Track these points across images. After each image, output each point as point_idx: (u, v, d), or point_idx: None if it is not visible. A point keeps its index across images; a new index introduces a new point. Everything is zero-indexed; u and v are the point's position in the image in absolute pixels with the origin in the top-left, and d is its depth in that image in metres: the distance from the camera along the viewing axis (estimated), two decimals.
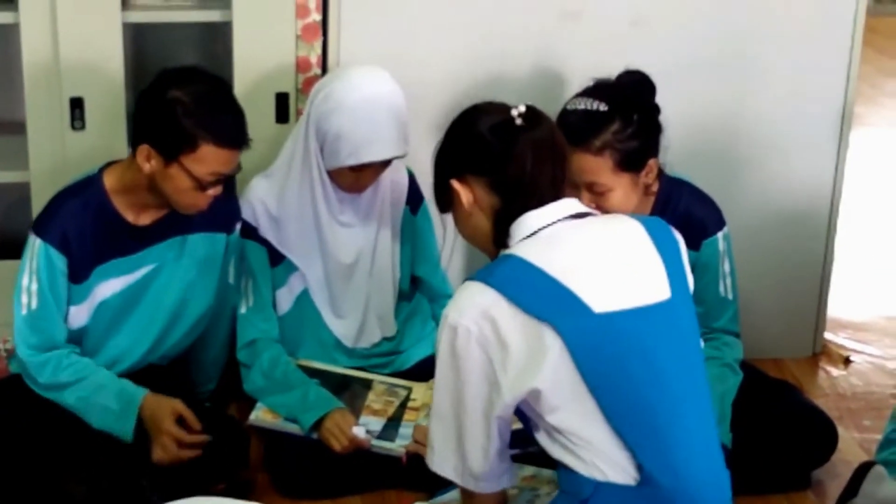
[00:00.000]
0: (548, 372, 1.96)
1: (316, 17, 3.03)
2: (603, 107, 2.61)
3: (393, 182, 2.90)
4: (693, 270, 2.26)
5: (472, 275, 2.06)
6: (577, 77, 2.82)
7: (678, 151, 2.84)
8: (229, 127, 2.58)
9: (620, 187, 2.63)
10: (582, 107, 2.64)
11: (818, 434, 2.90)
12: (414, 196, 2.96)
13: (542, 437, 2.06)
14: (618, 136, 2.61)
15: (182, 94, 2.54)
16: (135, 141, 2.62)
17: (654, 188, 2.76)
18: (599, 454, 2.00)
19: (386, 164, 2.79)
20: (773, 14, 3.25)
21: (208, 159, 2.55)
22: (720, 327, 2.82)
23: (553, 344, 1.96)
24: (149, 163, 2.57)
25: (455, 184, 2.14)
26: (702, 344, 2.17)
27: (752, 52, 3.27)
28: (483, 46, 3.14)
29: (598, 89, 2.68)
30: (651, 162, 2.69)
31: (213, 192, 2.61)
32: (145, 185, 2.62)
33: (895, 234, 4.62)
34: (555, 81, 3.13)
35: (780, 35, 3.26)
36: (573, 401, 1.98)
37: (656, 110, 2.70)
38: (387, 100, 2.74)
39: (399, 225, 2.95)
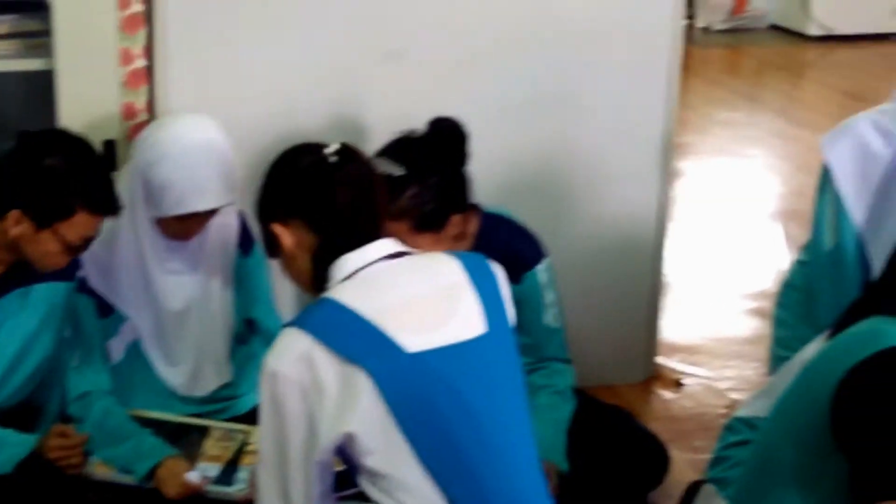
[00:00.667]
0: (360, 415, 1.97)
1: (141, 62, 3.02)
2: (399, 171, 2.59)
3: (222, 226, 2.87)
4: (516, 303, 2.29)
5: (290, 320, 2.07)
6: (404, 115, 2.82)
7: (503, 187, 2.90)
8: (104, 194, 2.61)
9: (423, 246, 2.60)
10: (379, 170, 2.64)
11: (651, 457, 2.98)
12: (245, 238, 2.94)
13: (362, 481, 2.06)
14: (414, 201, 2.59)
15: (56, 161, 2.55)
16: (1, 206, 2.59)
17: (471, 230, 2.74)
18: (415, 496, 2.01)
19: (213, 212, 2.77)
20: (594, 46, 3.34)
21: (81, 225, 2.57)
22: (550, 355, 2.87)
23: (364, 387, 1.97)
24: (17, 226, 2.57)
25: (276, 227, 2.16)
26: (523, 374, 2.19)
27: (574, 86, 3.35)
28: (309, 89, 3.16)
29: (398, 147, 2.67)
30: (454, 218, 2.66)
31: (79, 254, 2.63)
32: (2, 245, 2.61)
33: (725, 257, 4.77)
34: (381, 121, 3.15)
35: (600, 68, 3.36)
36: (386, 443, 1.99)
37: (462, 162, 2.69)
38: (212, 149, 2.72)
39: (230, 269, 2.93)
